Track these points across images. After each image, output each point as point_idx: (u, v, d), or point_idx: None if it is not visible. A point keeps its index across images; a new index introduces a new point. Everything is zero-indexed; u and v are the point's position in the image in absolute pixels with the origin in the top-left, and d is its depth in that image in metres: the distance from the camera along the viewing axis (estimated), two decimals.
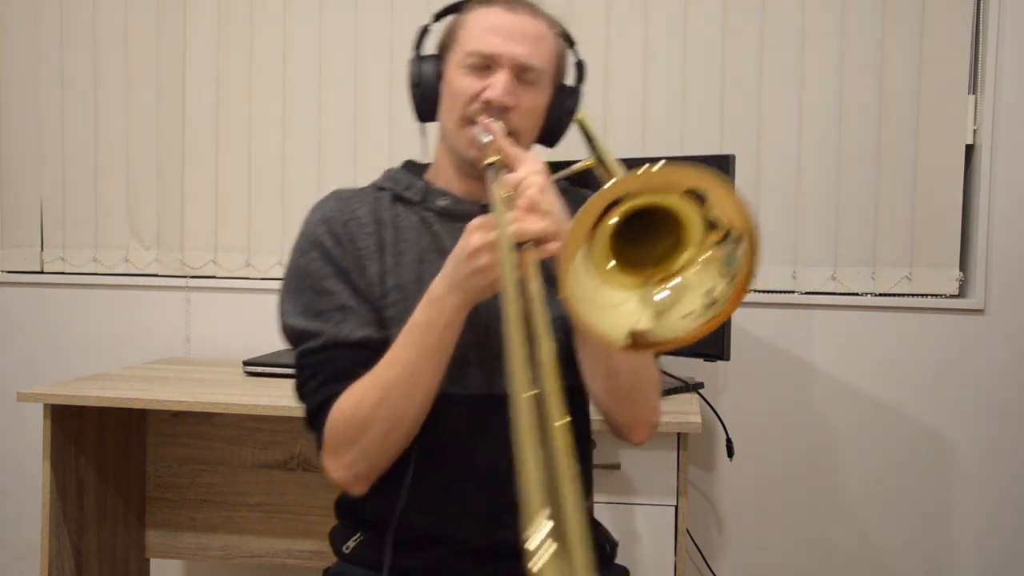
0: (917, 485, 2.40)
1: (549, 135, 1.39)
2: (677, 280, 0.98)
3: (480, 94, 1.29)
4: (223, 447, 2.42)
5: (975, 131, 2.35)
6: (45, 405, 2.06)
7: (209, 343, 2.65)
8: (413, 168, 1.44)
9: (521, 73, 1.30)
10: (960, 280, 2.37)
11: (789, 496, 2.45)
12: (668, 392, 2.16)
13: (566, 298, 0.93)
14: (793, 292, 2.43)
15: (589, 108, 2.43)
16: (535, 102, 1.32)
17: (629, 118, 2.44)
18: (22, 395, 2.05)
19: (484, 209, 1.23)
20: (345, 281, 1.31)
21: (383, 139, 2.53)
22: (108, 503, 2.31)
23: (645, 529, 1.98)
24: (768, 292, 2.43)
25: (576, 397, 1.33)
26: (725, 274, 0.97)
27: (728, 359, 2.10)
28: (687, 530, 2.03)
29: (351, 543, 1.37)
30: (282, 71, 2.59)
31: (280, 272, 2.60)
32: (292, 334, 1.32)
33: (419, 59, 1.38)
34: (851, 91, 2.37)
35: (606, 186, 0.91)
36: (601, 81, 2.45)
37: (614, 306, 0.96)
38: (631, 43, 2.44)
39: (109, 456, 2.31)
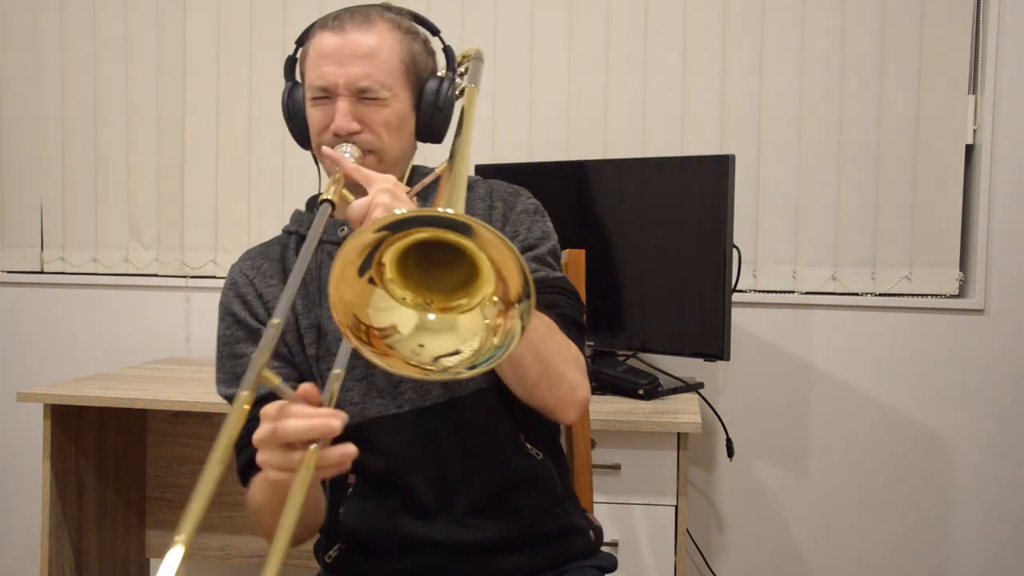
0: (917, 484, 2.40)
1: (428, 133, 1.37)
2: (451, 317, 0.96)
3: (329, 124, 1.30)
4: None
5: (975, 131, 2.35)
6: (45, 405, 2.06)
7: (209, 343, 2.64)
8: (316, 200, 1.43)
9: (361, 94, 1.29)
10: (960, 280, 2.37)
11: (789, 496, 2.45)
12: (668, 392, 2.16)
13: (332, 303, 0.92)
14: (793, 292, 2.43)
15: (589, 108, 2.45)
16: (384, 116, 1.30)
17: (629, 118, 2.45)
18: (22, 395, 2.05)
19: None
20: (255, 340, 1.31)
21: None
22: (108, 503, 2.31)
23: (645, 529, 1.98)
24: (768, 292, 2.43)
25: (505, 394, 1.31)
26: (482, 354, 0.94)
27: (728, 359, 2.10)
28: (687, 530, 2.03)
29: (332, 552, 1.38)
30: (282, 71, 2.58)
31: None
32: (225, 400, 1.35)
33: (289, 89, 1.40)
34: (851, 91, 2.37)
35: (371, 222, 0.90)
36: (601, 81, 2.45)
37: (386, 309, 0.95)
38: (631, 43, 2.44)
39: (109, 456, 2.31)
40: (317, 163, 1.42)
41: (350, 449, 0.97)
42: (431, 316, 0.97)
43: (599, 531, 1.47)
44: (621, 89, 2.45)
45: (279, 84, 2.67)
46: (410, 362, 0.95)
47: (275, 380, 0.96)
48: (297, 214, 1.45)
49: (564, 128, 2.47)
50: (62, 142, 2.70)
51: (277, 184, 2.60)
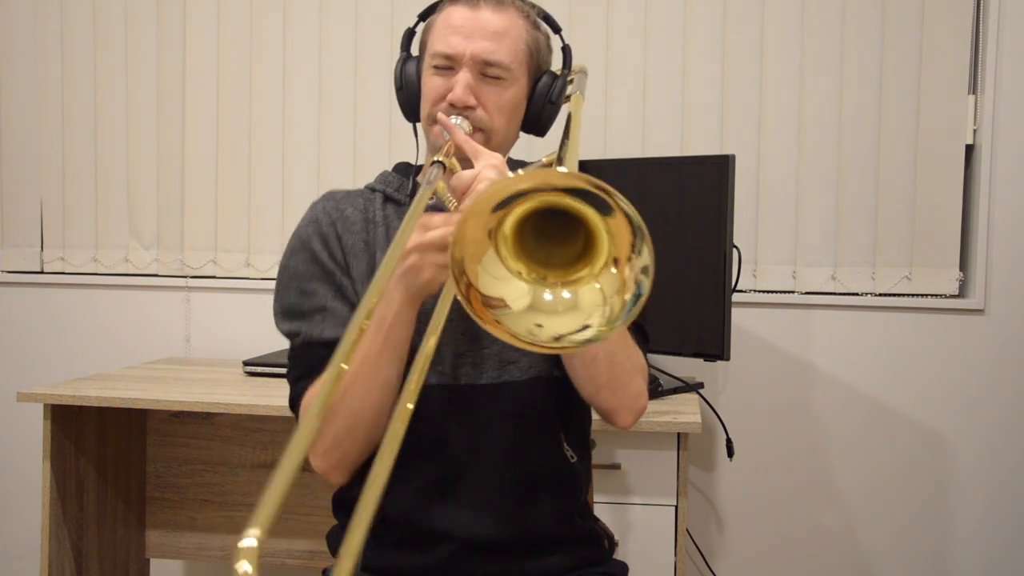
0: (916, 484, 2.40)
1: (535, 125, 1.40)
2: (569, 293, 0.97)
3: (446, 94, 1.31)
4: (223, 447, 2.42)
5: (975, 131, 2.35)
6: (45, 405, 2.06)
7: (209, 343, 2.65)
8: (405, 169, 1.46)
9: (485, 69, 1.31)
10: (960, 280, 2.37)
11: (789, 496, 2.45)
12: (668, 392, 2.16)
13: (456, 257, 0.94)
14: (793, 292, 2.43)
15: (590, 108, 2.45)
16: (502, 97, 1.33)
17: (629, 118, 2.45)
18: (22, 395, 2.05)
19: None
20: (329, 283, 1.34)
21: (383, 139, 2.53)
22: (108, 503, 2.31)
23: (645, 529, 1.98)
24: (768, 292, 2.43)
25: (568, 386, 1.33)
26: (606, 324, 0.95)
27: (728, 359, 2.10)
28: (687, 530, 2.03)
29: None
30: (282, 71, 2.59)
31: None
32: (282, 332, 1.38)
33: (403, 61, 1.40)
34: (851, 91, 2.37)
35: (514, 178, 0.92)
36: (601, 81, 2.45)
37: (500, 278, 0.96)
38: (631, 43, 2.44)
39: (109, 456, 2.31)
40: (416, 136, 1.44)
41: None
42: (547, 295, 0.97)
43: (612, 539, 1.48)
44: (621, 89, 2.45)
45: (279, 84, 2.69)
46: (523, 339, 0.96)
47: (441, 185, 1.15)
48: (384, 175, 1.46)
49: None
50: (62, 142, 2.70)
51: (277, 184, 2.60)
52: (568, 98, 1.42)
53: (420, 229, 1.14)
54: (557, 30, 1.44)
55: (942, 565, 2.41)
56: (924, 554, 2.41)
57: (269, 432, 2.38)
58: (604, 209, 0.91)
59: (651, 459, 1.97)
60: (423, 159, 1.44)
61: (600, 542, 1.43)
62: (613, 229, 0.92)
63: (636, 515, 1.98)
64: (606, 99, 2.45)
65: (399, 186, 1.41)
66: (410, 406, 0.92)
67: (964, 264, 2.38)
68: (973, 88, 2.35)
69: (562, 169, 0.94)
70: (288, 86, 2.58)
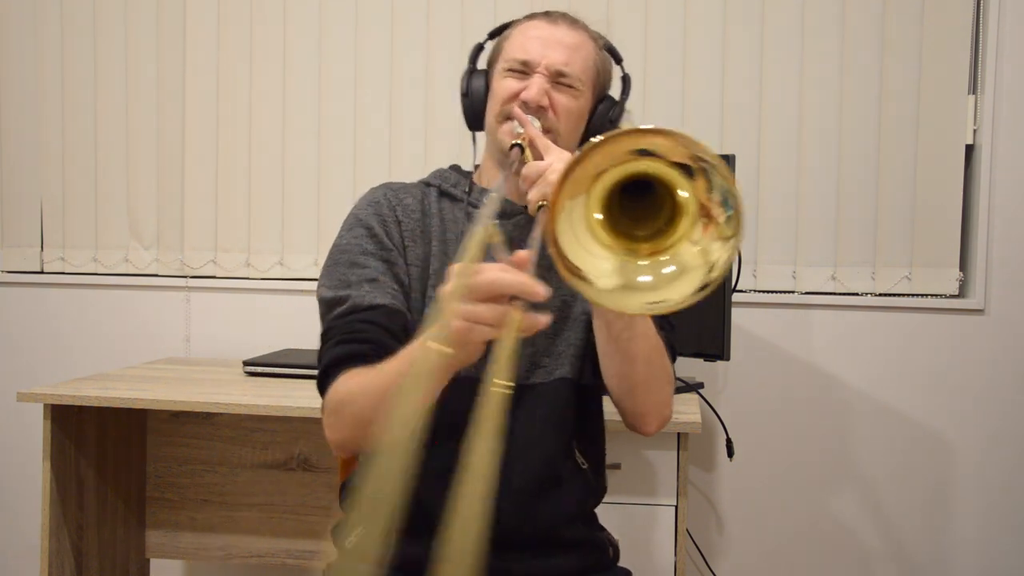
0: (917, 485, 2.40)
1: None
2: (667, 261, 0.98)
3: (519, 94, 1.37)
4: (223, 447, 2.42)
5: (975, 131, 2.35)
6: (45, 405, 2.06)
7: (209, 343, 2.65)
8: (459, 170, 1.51)
9: (557, 77, 1.37)
10: (960, 280, 2.37)
11: (789, 496, 2.45)
12: None
13: (552, 231, 0.94)
14: (793, 292, 2.43)
15: None
16: (572, 105, 1.38)
17: (630, 118, 2.44)
18: (22, 395, 2.05)
19: (526, 211, 1.30)
20: (382, 259, 1.37)
21: (383, 139, 2.53)
22: (108, 503, 2.31)
23: (645, 529, 1.98)
24: (768, 292, 2.43)
25: (595, 395, 1.36)
26: (705, 264, 0.97)
27: (728, 359, 2.10)
28: (687, 530, 2.03)
29: (353, 537, 1.37)
30: (282, 72, 2.59)
31: (280, 273, 2.61)
32: (322, 304, 1.36)
33: (470, 72, 1.47)
34: (851, 91, 2.37)
35: (612, 133, 0.93)
36: None
37: (593, 255, 0.97)
38: (631, 44, 2.44)
39: (109, 456, 2.31)
40: (475, 142, 1.51)
41: (545, 319, 0.98)
42: (641, 277, 0.98)
43: (616, 547, 1.49)
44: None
45: (279, 84, 2.69)
46: (645, 311, 0.98)
47: (497, 238, 1.01)
48: (440, 171, 1.50)
49: None
50: (62, 142, 2.70)
51: (277, 184, 2.60)
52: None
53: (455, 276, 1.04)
54: (619, 60, 1.51)
55: (942, 564, 2.41)
56: (924, 553, 2.41)
57: (269, 432, 2.38)
58: (688, 172, 0.94)
59: (651, 459, 1.97)
60: (479, 161, 1.51)
61: (604, 549, 1.44)
62: (695, 187, 0.95)
63: (636, 515, 1.98)
64: None
65: (455, 182, 1.46)
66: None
67: (964, 264, 2.38)
68: (973, 88, 2.35)
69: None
70: (288, 86, 2.58)
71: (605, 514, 1.93)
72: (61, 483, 2.12)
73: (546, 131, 1.36)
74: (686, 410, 2.00)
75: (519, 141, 1.28)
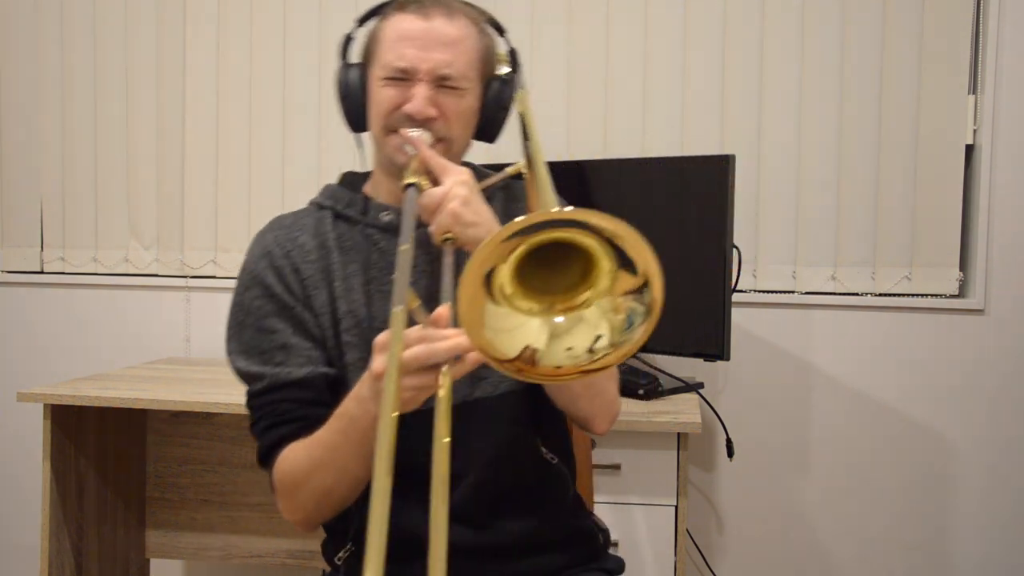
0: (917, 485, 2.40)
1: (486, 132, 1.37)
2: (578, 312, 0.96)
3: (402, 105, 1.27)
4: (223, 447, 2.42)
5: (975, 131, 2.35)
6: (45, 405, 2.06)
7: (209, 343, 2.65)
8: (352, 180, 1.41)
9: (441, 81, 1.27)
10: (960, 280, 2.37)
11: (789, 496, 2.45)
12: (668, 392, 2.16)
13: (462, 324, 0.92)
14: (793, 292, 2.43)
15: (589, 108, 2.45)
16: (461, 106, 1.29)
17: (629, 118, 2.44)
18: (22, 395, 2.05)
19: (425, 228, 1.20)
20: (288, 318, 1.29)
21: None
22: (108, 503, 2.31)
23: (645, 529, 1.98)
24: (768, 292, 2.43)
25: (539, 394, 1.32)
26: (617, 331, 0.95)
27: (728, 359, 2.10)
28: (687, 530, 2.03)
29: (342, 554, 1.36)
30: (282, 71, 2.59)
31: None
32: (239, 375, 1.31)
33: (345, 68, 1.36)
34: (851, 91, 2.37)
35: (502, 230, 0.89)
36: (601, 81, 2.45)
37: (512, 329, 0.95)
38: (631, 43, 2.44)
39: (109, 456, 2.31)
40: (360, 145, 1.41)
41: (476, 357, 0.97)
42: (558, 319, 0.96)
43: (606, 533, 1.47)
44: (621, 89, 2.45)
45: (279, 84, 2.69)
46: (580, 367, 0.96)
47: (416, 302, 0.99)
48: (330, 189, 1.40)
49: (564, 128, 2.47)
50: (62, 142, 2.70)
51: (277, 184, 2.60)
52: (514, 98, 1.39)
53: (382, 352, 1.02)
54: (502, 33, 1.40)
55: (941, 564, 2.41)
56: (923, 553, 2.41)
57: None
58: (602, 238, 0.91)
59: (651, 459, 1.97)
60: (370, 167, 1.41)
61: (594, 538, 1.42)
62: (610, 251, 0.92)
63: (636, 515, 1.98)
64: (606, 99, 2.45)
65: (349, 202, 1.36)
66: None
67: (964, 264, 2.38)
68: (973, 88, 2.35)
69: (567, 207, 0.92)
70: (288, 86, 2.58)
71: (605, 514, 1.93)
72: (61, 483, 2.12)
73: (439, 140, 1.27)
74: (686, 410, 2.00)
75: (412, 180, 1.17)
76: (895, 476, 2.41)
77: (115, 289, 2.70)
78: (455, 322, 0.95)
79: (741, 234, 2.32)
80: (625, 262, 0.92)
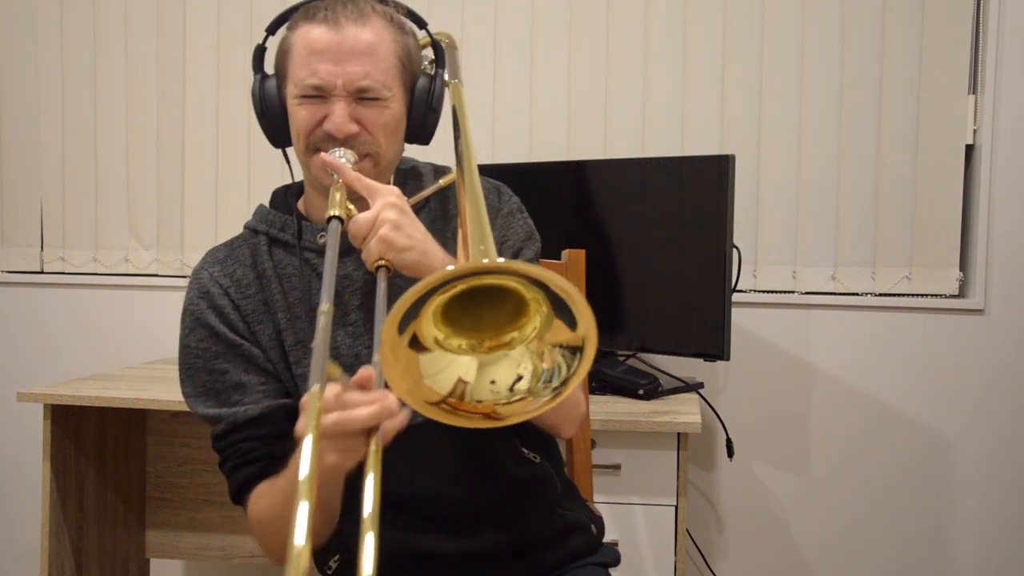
0: (917, 484, 2.40)
1: (418, 135, 1.31)
2: (505, 350, 0.95)
3: (322, 122, 1.21)
4: None
5: (975, 131, 2.35)
6: (45, 405, 2.06)
7: None
8: (285, 197, 1.37)
9: (359, 94, 1.21)
10: (960, 280, 2.37)
11: (789, 496, 2.45)
12: (668, 392, 2.16)
13: (388, 379, 0.91)
14: (793, 292, 2.43)
15: (589, 108, 2.45)
16: (384, 116, 1.23)
17: (629, 118, 2.45)
18: (22, 395, 2.05)
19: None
20: (236, 356, 1.27)
21: None
22: (108, 503, 2.31)
23: (645, 529, 1.98)
24: (768, 292, 2.43)
25: None
26: (536, 379, 0.94)
27: (728, 359, 2.10)
28: (687, 530, 2.03)
29: (332, 563, 1.36)
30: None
31: None
32: (199, 415, 1.30)
33: (261, 81, 1.28)
34: (851, 91, 2.37)
35: (419, 284, 0.87)
36: (602, 81, 2.45)
37: (444, 368, 0.94)
38: (631, 43, 2.44)
39: (109, 456, 2.31)
40: (288, 163, 1.35)
41: (403, 417, 0.95)
42: (486, 353, 0.96)
43: (600, 522, 1.45)
44: (621, 89, 2.45)
45: None
46: (498, 403, 0.95)
47: (337, 372, 0.94)
48: (263, 211, 1.36)
49: (564, 128, 2.47)
50: (62, 142, 2.70)
51: (277, 184, 2.60)
52: (447, 86, 1.33)
53: (304, 414, 0.96)
54: (423, 25, 1.32)
55: (942, 564, 2.41)
56: (924, 553, 2.41)
57: None
58: (530, 283, 0.89)
59: (651, 459, 1.97)
60: (297, 180, 1.38)
61: (587, 529, 1.40)
62: (547, 302, 0.90)
63: (636, 515, 1.98)
64: (606, 100, 2.45)
65: (282, 226, 1.32)
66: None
67: (964, 264, 2.38)
68: (973, 88, 2.35)
69: (486, 259, 0.91)
70: None
71: (605, 514, 1.93)
72: (61, 483, 2.12)
73: (364, 155, 1.22)
74: (686, 410, 2.00)
75: (333, 212, 1.11)
76: (895, 476, 2.41)
77: (115, 289, 2.70)
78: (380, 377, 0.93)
79: (741, 234, 2.32)
80: (566, 315, 0.90)
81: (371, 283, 1.27)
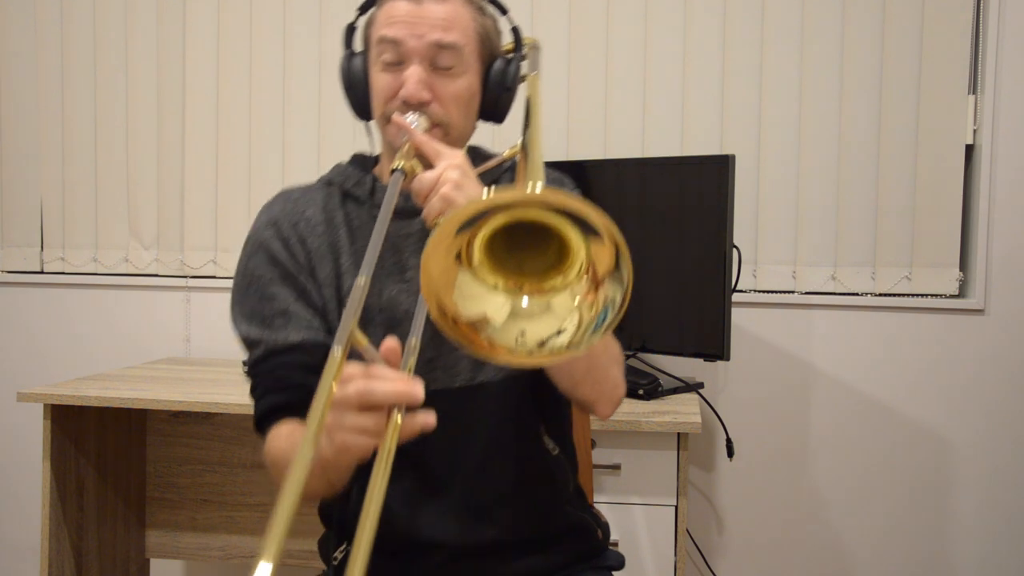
0: (916, 484, 2.40)
1: (491, 112, 1.35)
2: (547, 300, 0.95)
3: (398, 91, 1.26)
4: (223, 447, 2.42)
5: (975, 131, 2.35)
6: (45, 405, 2.06)
7: (209, 343, 2.65)
8: (362, 161, 1.41)
9: (437, 57, 1.25)
10: (960, 280, 2.37)
11: (789, 496, 2.45)
12: (668, 392, 2.16)
13: (432, 295, 0.91)
14: (793, 292, 2.43)
15: (589, 108, 2.45)
16: (457, 87, 1.27)
17: (629, 118, 2.45)
18: (22, 395, 2.05)
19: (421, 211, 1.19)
20: (291, 285, 1.30)
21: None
22: (108, 503, 2.31)
23: (645, 529, 1.98)
24: (768, 292, 2.43)
25: (543, 380, 1.31)
26: (583, 329, 0.93)
27: (728, 359, 2.10)
28: (687, 530, 2.03)
29: (338, 554, 1.36)
30: (282, 71, 2.59)
31: None
32: (241, 339, 1.32)
33: (348, 57, 1.34)
34: (851, 91, 2.37)
35: (474, 202, 0.89)
36: (602, 82, 2.45)
37: (474, 296, 0.94)
38: (631, 43, 2.44)
39: (109, 456, 2.31)
40: (369, 133, 1.38)
41: (431, 419, 0.93)
42: (524, 302, 0.95)
43: (606, 527, 1.46)
44: (621, 89, 2.45)
45: (279, 84, 2.69)
46: (515, 352, 0.94)
47: (364, 341, 0.95)
48: (339, 168, 1.40)
49: (564, 128, 2.47)
50: (62, 142, 2.70)
51: (277, 184, 2.60)
52: (524, 79, 1.37)
53: (352, 381, 0.95)
54: (504, 11, 1.37)
55: (940, 564, 2.41)
56: (923, 553, 2.41)
57: None
58: (581, 226, 0.90)
59: (651, 459, 1.97)
60: (379, 151, 1.41)
61: (593, 533, 1.41)
62: (590, 244, 0.91)
63: (636, 515, 1.98)
64: (606, 99, 2.45)
65: (357, 181, 1.35)
66: (400, 419, 0.89)
67: (964, 264, 2.38)
68: (973, 88, 2.35)
69: (539, 186, 0.91)
70: (288, 85, 2.58)
71: (605, 514, 1.93)
72: (61, 483, 2.12)
73: (435, 125, 1.26)
74: (686, 410, 2.00)
75: (397, 165, 1.15)
76: (895, 475, 2.41)
77: (115, 289, 2.70)
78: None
79: (741, 234, 2.32)
80: (600, 256, 0.91)
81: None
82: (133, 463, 2.42)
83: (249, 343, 1.30)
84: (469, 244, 0.92)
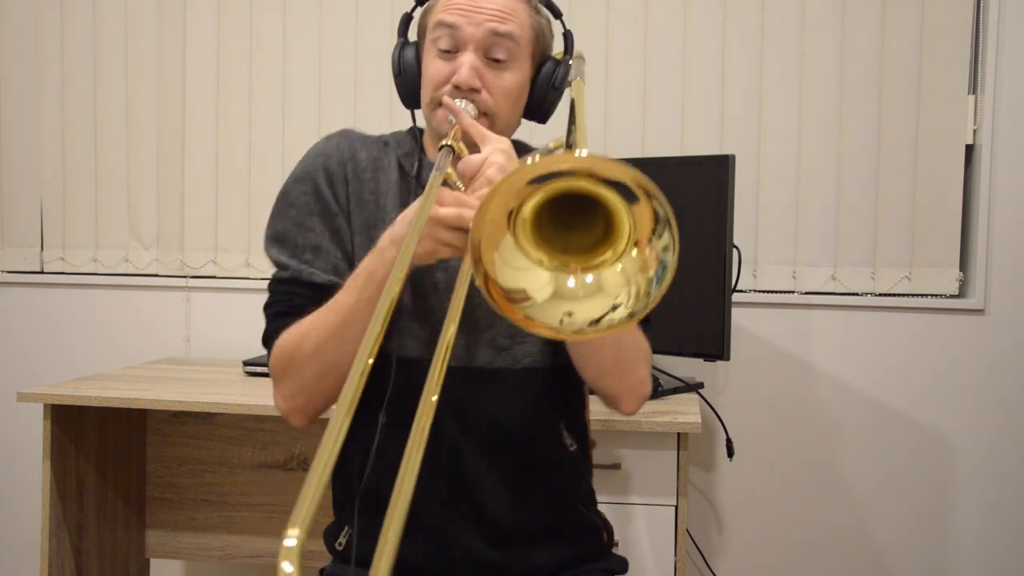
0: (917, 484, 2.40)
1: (537, 111, 1.39)
2: (598, 278, 0.96)
3: (450, 78, 1.29)
4: (223, 447, 2.42)
5: (975, 131, 2.35)
6: (45, 405, 2.06)
7: (209, 343, 2.65)
8: (418, 137, 1.42)
9: (490, 50, 1.29)
10: (960, 280, 2.37)
11: (789, 496, 2.45)
12: (668, 392, 2.16)
13: (475, 240, 0.92)
14: (793, 292, 2.43)
15: (590, 108, 2.45)
16: (508, 81, 1.31)
17: (629, 118, 2.45)
18: (22, 395, 2.05)
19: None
20: (327, 222, 1.34)
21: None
22: (108, 503, 2.31)
23: (645, 529, 1.98)
24: (768, 292, 2.43)
25: (570, 373, 1.31)
26: (640, 296, 0.95)
27: (728, 359, 2.10)
28: (687, 530, 2.03)
29: (342, 539, 1.36)
30: (282, 71, 2.59)
31: None
32: (269, 258, 1.37)
33: (401, 47, 1.38)
34: (851, 91, 2.37)
35: (533, 160, 0.90)
36: (601, 81, 2.45)
37: (518, 269, 0.95)
38: (631, 43, 2.44)
39: (109, 456, 2.31)
40: (414, 121, 1.41)
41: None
42: (570, 282, 0.96)
43: (611, 530, 1.47)
44: (621, 89, 2.45)
45: (279, 84, 2.69)
46: (560, 331, 0.95)
47: (453, 176, 1.15)
48: (399, 135, 1.43)
49: (564, 128, 2.47)
50: (62, 142, 2.70)
51: (277, 184, 2.58)
52: (570, 84, 1.40)
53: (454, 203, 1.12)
54: (558, 15, 1.41)
55: (942, 564, 2.41)
56: (924, 553, 2.41)
57: (269, 432, 2.38)
58: (628, 195, 0.90)
59: (651, 459, 1.97)
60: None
61: (599, 534, 1.41)
62: (636, 214, 0.91)
63: (636, 515, 1.98)
64: (606, 99, 2.45)
65: (408, 152, 1.38)
66: (434, 399, 0.90)
67: (964, 264, 2.38)
68: (973, 88, 2.35)
69: (602, 154, 0.93)
70: (288, 85, 2.58)
71: (605, 514, 1.93)
72: (61, 483, 2.12)
73: (483, 114, 1.29)
74: (686, 410, 2.00)
75: (448, 142, 1.20)
76: (894, 476, 2.41)
77: (115, 289, 2.70)
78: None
79: (741, 234, 2.32)
80: (643, 219, 0.91)
81: None
82: (133, 463, 2.42)
83: (279, 265, 1.35)
84: (520, 211, 0.93)
